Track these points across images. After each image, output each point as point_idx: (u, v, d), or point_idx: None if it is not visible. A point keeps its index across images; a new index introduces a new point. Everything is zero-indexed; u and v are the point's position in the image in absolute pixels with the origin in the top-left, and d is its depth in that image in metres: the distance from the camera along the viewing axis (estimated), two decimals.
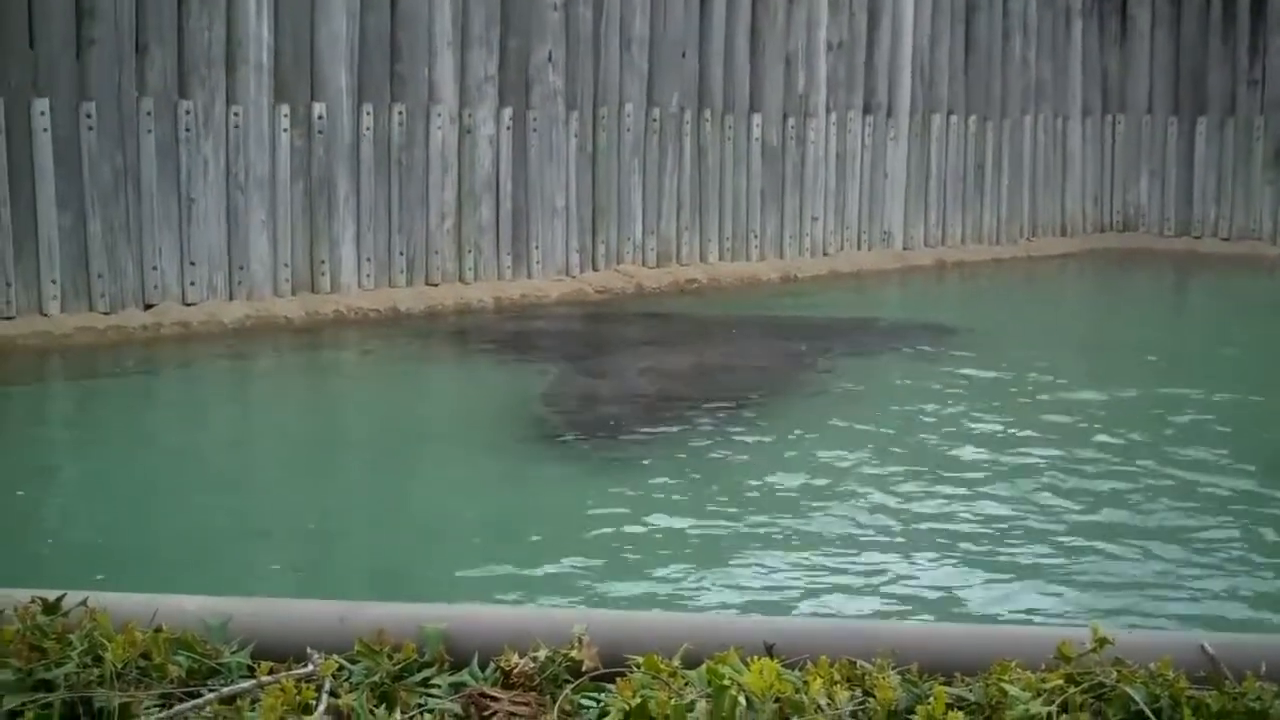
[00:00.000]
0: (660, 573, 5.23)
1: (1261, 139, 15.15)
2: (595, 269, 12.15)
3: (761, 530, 5.71)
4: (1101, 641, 2.24)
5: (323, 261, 10.65)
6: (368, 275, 10.87)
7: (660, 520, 5.83)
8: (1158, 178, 15.69)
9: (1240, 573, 5.31)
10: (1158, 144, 15.65)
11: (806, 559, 5.38)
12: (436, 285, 11.21)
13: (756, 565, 5.29)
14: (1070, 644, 2.24)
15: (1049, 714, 2.05)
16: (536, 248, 11.77)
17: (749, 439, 7.23)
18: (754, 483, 6.39)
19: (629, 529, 5.74)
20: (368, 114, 10.85)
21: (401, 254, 11.05)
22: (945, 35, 14.24)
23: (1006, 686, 2.11)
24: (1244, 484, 6.56)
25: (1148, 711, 2.09)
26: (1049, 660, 2.24)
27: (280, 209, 10.44)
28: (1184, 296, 14.16)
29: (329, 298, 10.62)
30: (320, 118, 10.60)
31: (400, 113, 11.00)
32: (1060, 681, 2.15)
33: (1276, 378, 9.43)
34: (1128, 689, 2.14)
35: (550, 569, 5.28)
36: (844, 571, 5.28)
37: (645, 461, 6.75)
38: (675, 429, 7.37)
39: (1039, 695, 2.11)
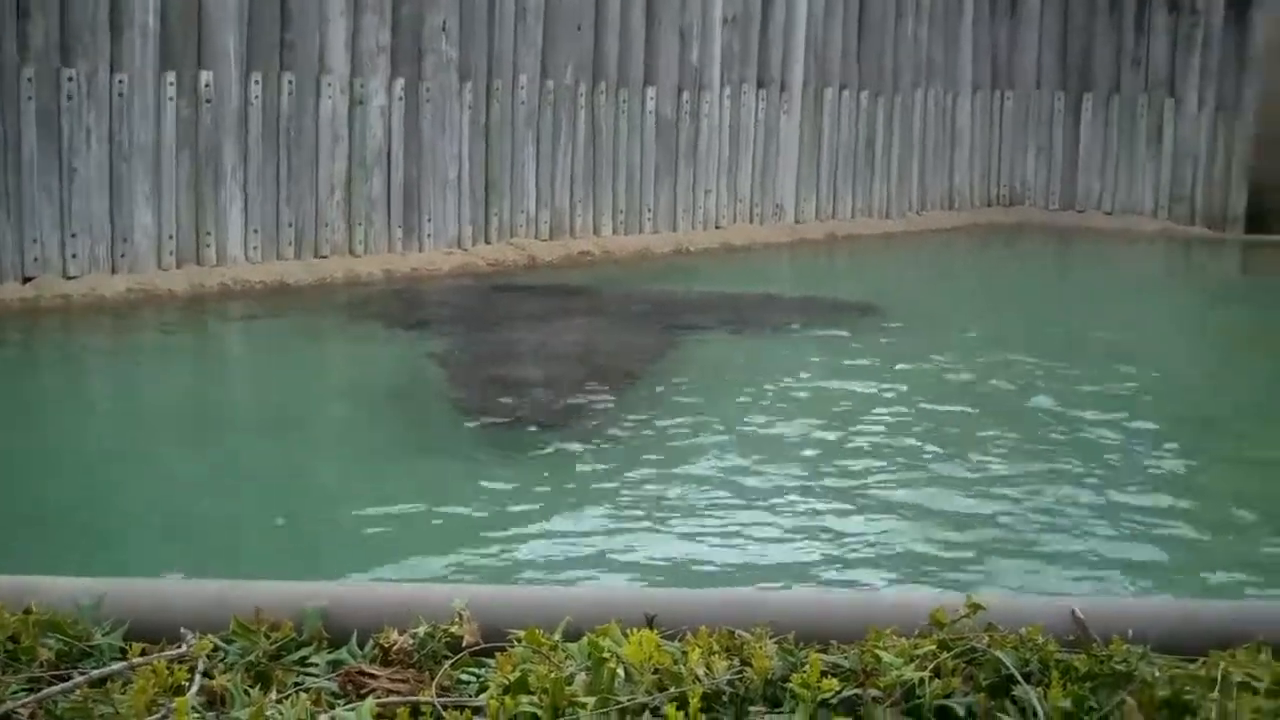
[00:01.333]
0: (549, 550, 5.22)
1: (1144, 116, 15.46)
2: (488, 242, 12.09)
3: (653, 507, 5.73)
4: (974, 607, 2.29)
5: (208, 233, 10.48)
6: (254, 247, 10.71)
7: (553, 498, 5.83)
8: (1044, 153, 15.95)
9: (1116, 539, 5.43)
10: (1044, 120, 15.90)
11: (699, 535, 5.41)
12: (326, 257, 11.08)
13: (645, 542, 5.30)
14: (944, 610, 2.28)
15: (921, 679, 2.08)
16: (428, 220, 11.68)
17: (643, 417, 7.23)
18: (646, 461, 6.39)
19: (519, 506, 5.73)
20: (256, 83, 10.67)
21: (290, 225, 10.91)
22: (838, 10, 14.33)
23: (880, 653, 2.15)
24: (1141, 455, 6.72)
25: (1017, 675, 2.13)
26: (923, 627, 2.28)
27: (165, 179, 10.25)
28: (1071, 270, 14.42)
29: (214, 270, 10.46)
30: (207, 86, 10.41)
31: (290, 82, 10.84)
32: (933, 647, 2.18)
33: (1168, 351, 9.73)
34: (998, 653, 2.18)
35: (440, 546, 5.25)
36: (734, 545, 5.31)
37: (539, 440, 6.73)
38: (569, 406, 7.34)
39: (912, 661, 2.14)
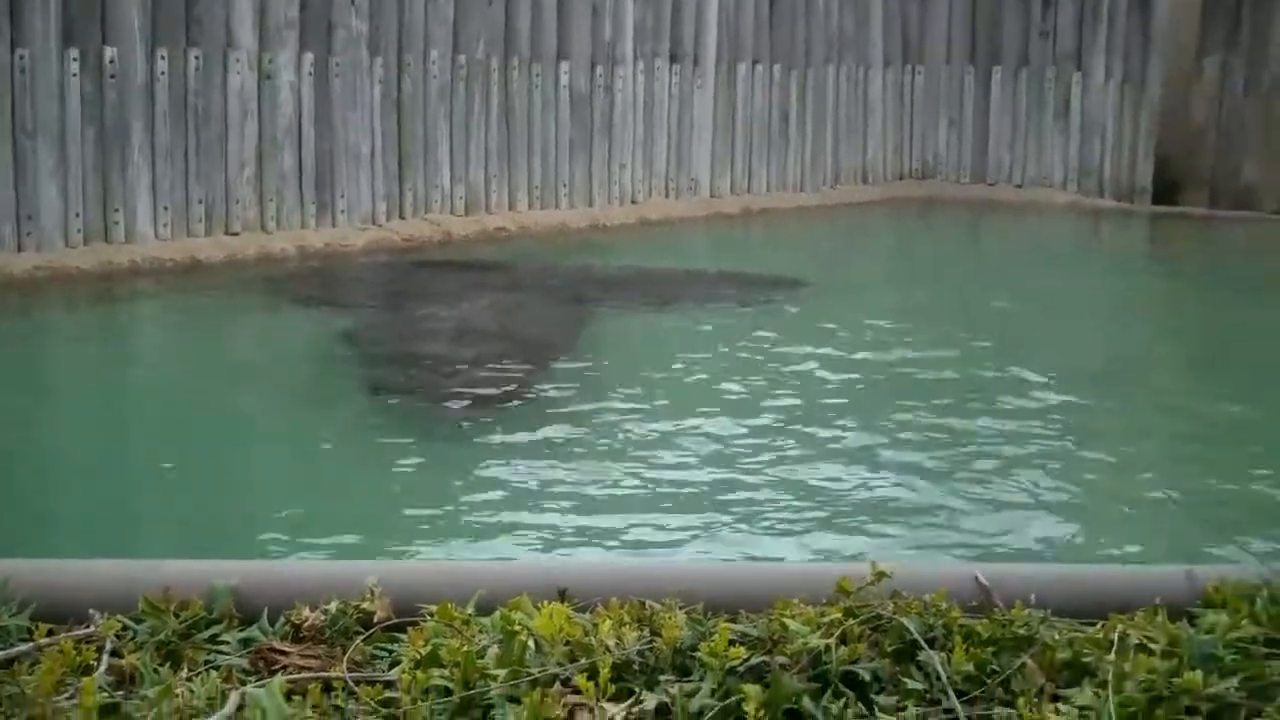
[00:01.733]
0: (464, 527, 5.21)
1: (1053, 89, 15.66)
2: (402, 217, 12.02)
3: (571, 483, 5.72)
4: (880, 575, 2.33)
5: (116, 210, 10.31)
6: (164, 225, 10.56)
7: (470, 475, 5.80)
8: (955, 127, 16.11)
9: (1025, 508, 5.52)
10: (955, 94, 16.05)
11: (617, 512, 5.41)
12: (237, 234, 10.96)
13: (562, 518, 5.30)
14: (850, 579, 2.32)
15: (827, 646, 2.12)
16: (341, 196, 11.58)
17: (562, 394, 7.19)
18: (567, 438, 6.37)
19: (436, 483, 5.71)
20: (162, 58, 10.51)
21: (200, 202, 10.76)
22: None
23: (787, 621, 2.18)
24: (1041, 423, 6.84)
25: (921, 641, 2.18)
26: (830, 595, 2.32)
27: (71, 157, 10.06)
28: (984, 244, 14.57)
29: (123, 248, 10.29)
30: (112, 62, 10.23)
31: (196, 57, 10.69)
32: (839, 615, 2.22)
33: (1082, 322, 9.91)
34: (903, 620, 2.22)
35: (353, 524, 5.22)
36: (654, 520, 5.32)
37: (456, 417, 6.68)
38: (487, 383, 7.31)
39: (819, 629, 2.18)
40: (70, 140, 10.06)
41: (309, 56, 11.29)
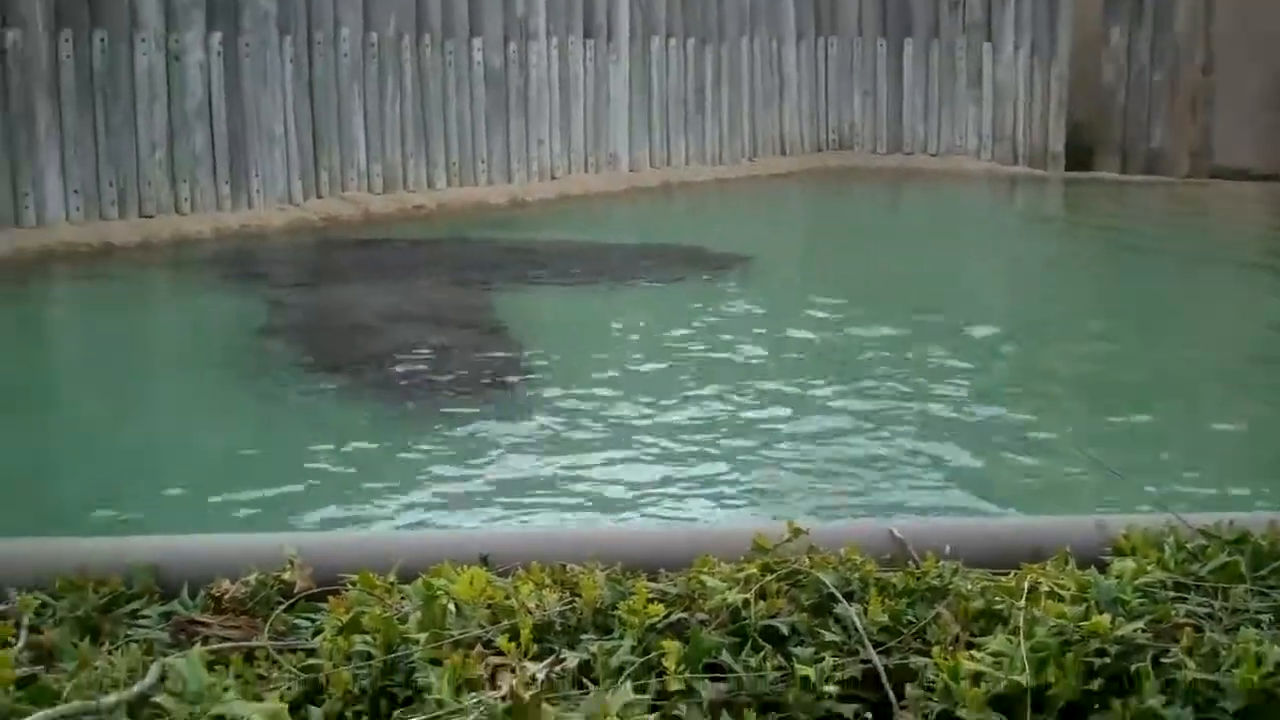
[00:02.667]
0: (402, 505, 5.18)
1: (964, 59, 15.81)
2: (319, 196, 11.92)
3: (511, 463, 5.70)
4: (796, 532, 2.36)
5: (26, 194, 10.15)
6: (76, 208, 10.41)
7: (392, 454, 5.77)
8: (869, 97, 16.22)
9: (942, 470, 5.60)
10: (868, 65, 16.15)
11: (555, 488, 5.40)
12: (151, 217, 10.81)
13: (497, 497, 5.29)
14: (767, 536, 2.35)
15: (745, 601, 2.15)
16: (256, 176, 11.46)
17: (495, 372, 7.13)
18: (506, 416, 6.33)
19: (357, 460, 5.67)
20: (66, 41, 10.34)
21: (112, 185, 10.61)
22: None
23: (705, 579, 2.21)
24: (964, 389, 6.93)
25: (838, 594, 2.21)
26: (749, 553, 2.35)
27: None
28: (908, 212, 14.64)
29: (34, 232, 10.14)
30: (15, 45, 10.05)
31: (102, 39, 10.52)
32: (756, 571, 2.25)
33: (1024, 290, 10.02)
34: (820, 574, 2.26)
35: (283, 501, 5.18)
36: (588, 491, 5.32)
37: (389, 399, 6.62)
38: (421, 366, 7.22)
39: (737, 584, 2.21)
40: None
41: (217, 36, 11.14)
